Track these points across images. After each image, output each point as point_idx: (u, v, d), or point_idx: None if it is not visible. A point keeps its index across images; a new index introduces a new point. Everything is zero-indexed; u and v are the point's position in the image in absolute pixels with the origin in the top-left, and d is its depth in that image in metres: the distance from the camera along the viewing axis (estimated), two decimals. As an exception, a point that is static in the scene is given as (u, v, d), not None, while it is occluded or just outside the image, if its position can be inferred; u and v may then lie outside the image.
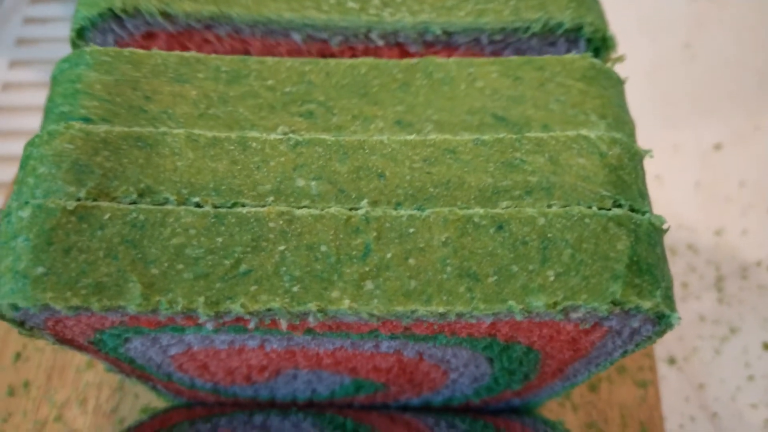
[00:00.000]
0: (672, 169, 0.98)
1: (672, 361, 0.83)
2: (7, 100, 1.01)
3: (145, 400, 0.77)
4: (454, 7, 0.50)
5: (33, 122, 0.96)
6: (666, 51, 1.11)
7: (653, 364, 0.80)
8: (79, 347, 0.49)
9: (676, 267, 0.89)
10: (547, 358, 0.52)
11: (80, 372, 0.78)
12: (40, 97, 0.99)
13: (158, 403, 0.76)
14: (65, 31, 1.06)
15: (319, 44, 0.51)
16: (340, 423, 0.68)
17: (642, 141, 0.99)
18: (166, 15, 0.49)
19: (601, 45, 0.50)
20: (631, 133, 0.46)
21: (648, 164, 0.98)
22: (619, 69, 1.04)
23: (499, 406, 0.70)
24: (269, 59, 0.48)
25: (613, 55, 0.51)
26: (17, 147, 0.94)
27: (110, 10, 0.50)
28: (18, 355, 0.78)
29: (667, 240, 0.91)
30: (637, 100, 1.04)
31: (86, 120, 0.44)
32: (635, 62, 1.08)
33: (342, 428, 0.67)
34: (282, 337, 0.49)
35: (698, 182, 0.97)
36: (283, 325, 0.41)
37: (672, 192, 0.96)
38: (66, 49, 0.95)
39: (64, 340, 0.47)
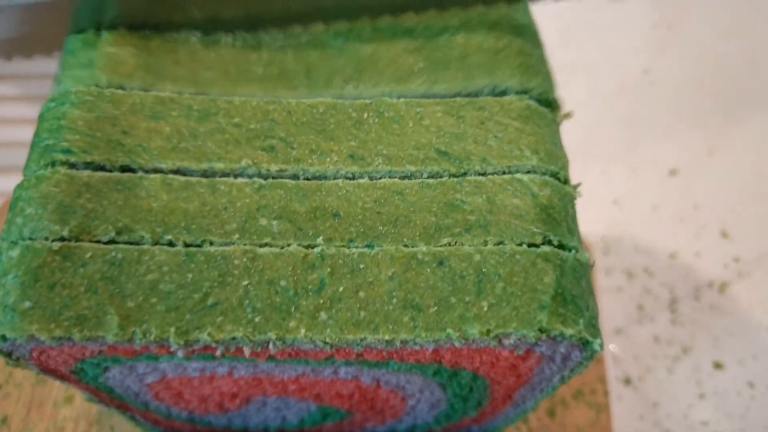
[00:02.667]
0: (630, 193, 1.02)
1: (627, 381, 0.87)
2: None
3: (120, 432, 0.80)
4: (410, 78, 0.55)
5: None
6: (626, 77, 1.15)
7: (606, 388, 0.83)
8: (62, 377, 0.54)
9: (633, 289, 0.93)
10: (493, 384, 0.57)
11: (58, 407, 0.80)
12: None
13: (134, 435, 0.80)
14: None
15: None
16: None
17: (602, 164, 1.04)
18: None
19: (548, 106, 0.55)
20: (563, 167, 0.51)
21: (607, 188, 1.02)
22: (582, 94, 1.09)
23: (461, 433, 0.74)
24: (237, 99, 0.53)
25: (561, 113, 0.56)
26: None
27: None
28: (-3, 392, 0.81)
29: (625, 263, 0.95)
30: (598, 125, 1.09)
31: (67, 152, 0.48)
32: (597, 88, 1.13)
33: None
34: (248, 364, 0.53)
35: (655, 205, 1.01)
36: (247, 352, 0.45)
37: (630, 215, 1.00)
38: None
39: (47, 370, 0.51)
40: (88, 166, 0.49)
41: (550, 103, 0.54)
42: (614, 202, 1.01)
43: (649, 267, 0.96)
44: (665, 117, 1.11)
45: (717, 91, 1.13)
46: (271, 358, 0.50)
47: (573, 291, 0.46)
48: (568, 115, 0.55)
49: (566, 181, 0.51)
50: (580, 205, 0.98)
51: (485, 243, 0.47)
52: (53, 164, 0.48)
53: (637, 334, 0.90)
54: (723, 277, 0.95)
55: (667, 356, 0.89)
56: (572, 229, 0.49)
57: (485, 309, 0.45)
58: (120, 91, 0.52)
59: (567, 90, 1.12)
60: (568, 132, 1.06)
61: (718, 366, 0.88)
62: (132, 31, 0.56)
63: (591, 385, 0.84)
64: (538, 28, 0.60)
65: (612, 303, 0.93)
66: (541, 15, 1.19)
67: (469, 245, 0.47)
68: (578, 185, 0.51)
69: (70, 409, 0.80)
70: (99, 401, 0.62)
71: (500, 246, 0.46)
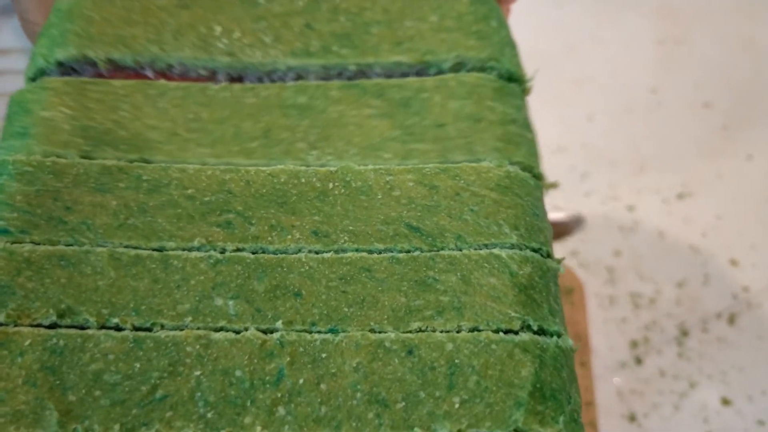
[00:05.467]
0: (636, 219, 0.99)
1: (632, 418, 0.84)
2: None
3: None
4: (380, 148, 0.51)
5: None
6: (633, 95, 1.12)
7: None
8: None
9: (639, 320, 0.90)
10: None
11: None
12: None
13: None
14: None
15: None
16: None
17: (607, 188, 1.01)
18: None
19: (530, 172, 0.51)
20: (546, 241, 0.47)
21: (613, 213, 0.99)
22: (586, 109, 1.05)
23: None
24: (191, 167, 0.49)
25: (545, 183, 0.52)
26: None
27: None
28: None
29: (630, 293, 0.92)
30: (604, 145, 1.05)
31: (4, 232, 0.45)
32: (603, 106, 1.10)
33: None
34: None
35: (662, 232, 0.97)
36: None
37: (636, 242, 0.97)
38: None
39: None
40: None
41: (536, 177, 0.51)
42: (619, 228, 0.98)
43: (656, 297, 0.92)
44: (672, 138, 1.07)
45: (725, 111, 1.10)
46: None
47: (553, 384, 0.42)
48: (554, 185, 0.52)
49: (549, 255, 0.47)
50: (584, 231, 0.96)
51: (459, 328, 0.43)
52: None
53: (642, 368, 0.87)
54: (732, 308, 0.91)
55: (674, 392, 0.85)
56: (554, 309, 0.45)
57: (456, 405, 0.41)
58: (62, 161, 0.49)
59: (569, 107, 1.09)
60: (572, 153, 1.04)
61: (726, 402, 0.85)
62: (69, 82, 0.53)
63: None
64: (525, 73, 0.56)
65: (616, 335, 0.89)
66: (547, 27, 1.18)
67: (442, 330, 0.43)
68: (562, 259, 0.47)
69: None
70: None
71: (475, 333, 0.43)
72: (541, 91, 0.58)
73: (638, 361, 0.87)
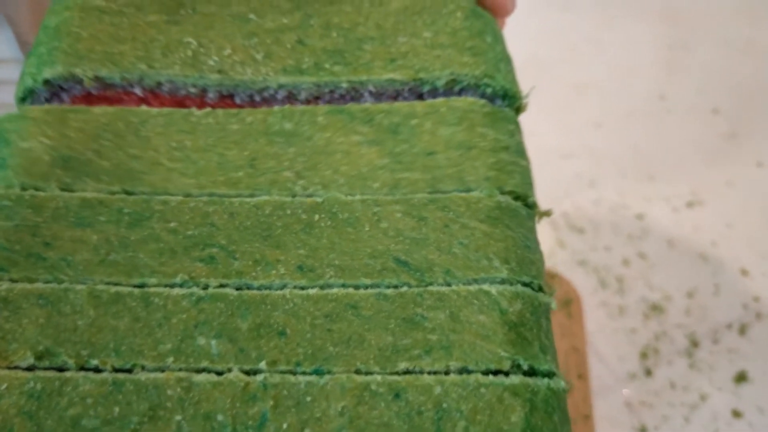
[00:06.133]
0: (645, 228, 0.98)
1: (643, 430, 0.83)
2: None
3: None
4: (368, 177, 0.49)
5: None
6: (639, 101, 1.11)
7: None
8: None
9: (648, 331, 0.89)
10: None
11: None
12: None
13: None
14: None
15: None
16: None
17: (616, 196, 0.99)
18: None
19: (523, 201, 0.49)
20: (538, 275, 0.46)
21: (622, 222, 0.97)
22: (591, 117, 1.04)
23: None
24: (173, 199, 0.48)
25: (539, 211, 0.50)
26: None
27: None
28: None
29: (639, 303, 0.91)
30: (609, 152, 1.04)
31: None
32: (608, 112, 1.09)
33: None
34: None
35: (671, 241, 0.96)
36: None
37: (645, 251, 0.96)
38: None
39: None
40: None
41: (529, 206, 0.49)
42: (628, 237, 0.97)
43: (665, 307, 0.91)
44: (680, 145, 1.06)
45: (732, 117, 1.08)
46: None
47: (544, 429, 0.40)
48: (547, 213, 0.50)
49: (540, 289, 0.45)
50: (594, 240, 0.95)
51: (447, 368, 0.42)
52: None
53: (652, 380, 0.86)
54: (742, 318, 0.90)
55: (684, 404, 0.84)
56: (545, 347, 0.43)
57: None
58: (41, 194, 0.47)
59: (574, 113, 1.08)
60: (578, 160, 1.03)
61: (737, 414, 0.84)
62: (50, 110, 0.51)
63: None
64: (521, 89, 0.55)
65: (626, 345, 0.88)
66: (547, 31, 1.17)
67: (430, 371, 0.42)
68: (553, 293, 0.46)
69: None
70: None
71: (464, 376, 0.41)
72: (546, 97, 0.56)
73: (648, 372, 0.86)
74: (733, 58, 1.15)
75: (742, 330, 0.89)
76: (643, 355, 0.87)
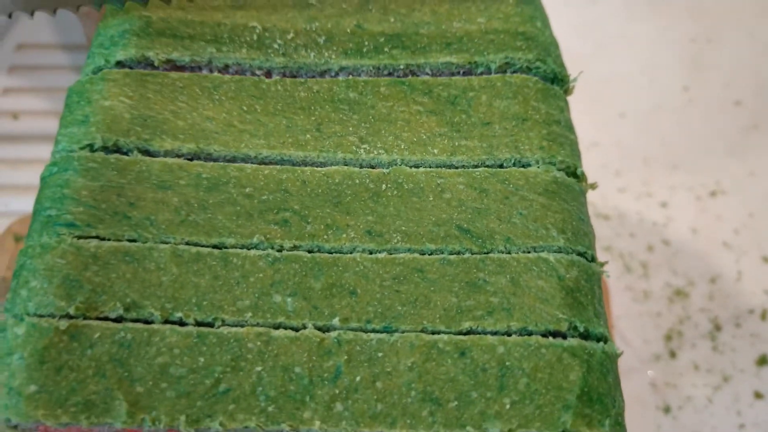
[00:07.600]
0: (669, 216, 1.00)
1: (667, 409, 0.85)
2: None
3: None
4: (429, 144, 0.52)
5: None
6: (664, 93, 1.12)
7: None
8: None
9: (672, 315, 0.91)
10: None
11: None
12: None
13: None
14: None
15: None
16: None
17: (641, 185, 1.01)
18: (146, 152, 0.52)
19: (575, 176, 0.52)
20: (590, 245, 0.49)
21: (646, 210, 1.00)
22: (618, 107, 1.06)
23: None
24: (248, 166, 0.51)
25: (587, 183, 0.53)
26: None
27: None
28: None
29: (664, 288, 0.93)
30: (635, 143, 1.06)
31: (71, 225, 0.47)
32: (634, 104, 1.10)
33: None
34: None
35: (695, 229, 0.98)
36: None
37: (669, 239, 0.97)
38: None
39: None
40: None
41: (577, 177, 0.52)
42: (653, 224, 0.99)
43: (689, 292, 0.93)
44: (704, 136, 1.08)
45: (755, 109, 1.10)
46: None
47: (600, 388, 0.43)
48: (593, 186, 0.53)
49: (593, 259, 0.48)
50: (619, 227, 0.97)
51: (508, 329, 0.45)
52: (58, 234, 0.47)
53: (676, 362, 0.88)
54: (765, 304, 0.92)
55: (708, 385, 0.86)
56: (599, 312, 0.46)
57: (507, 406, 0.42)
58: (125, 157, 0.50)
59: (602, 104, 1.10)
60: (606, 150, 1.05)
61: (758, 396, 0.86)
62: (129, 74, 0.54)
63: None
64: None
65: (650, 329, 0.90)
66: (576, 26, 1.18)
67: (492, 331, 0.45)
68: (605, 263, 0.49)
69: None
70: None
71: (525, 337, 0.44)
72: (575, 89, 0.59)
73: (672, 354, 0.88)
74: (757, 52, 1.16)
75: (764, 315, 0.91)
76: (668, 338, 0.89)
